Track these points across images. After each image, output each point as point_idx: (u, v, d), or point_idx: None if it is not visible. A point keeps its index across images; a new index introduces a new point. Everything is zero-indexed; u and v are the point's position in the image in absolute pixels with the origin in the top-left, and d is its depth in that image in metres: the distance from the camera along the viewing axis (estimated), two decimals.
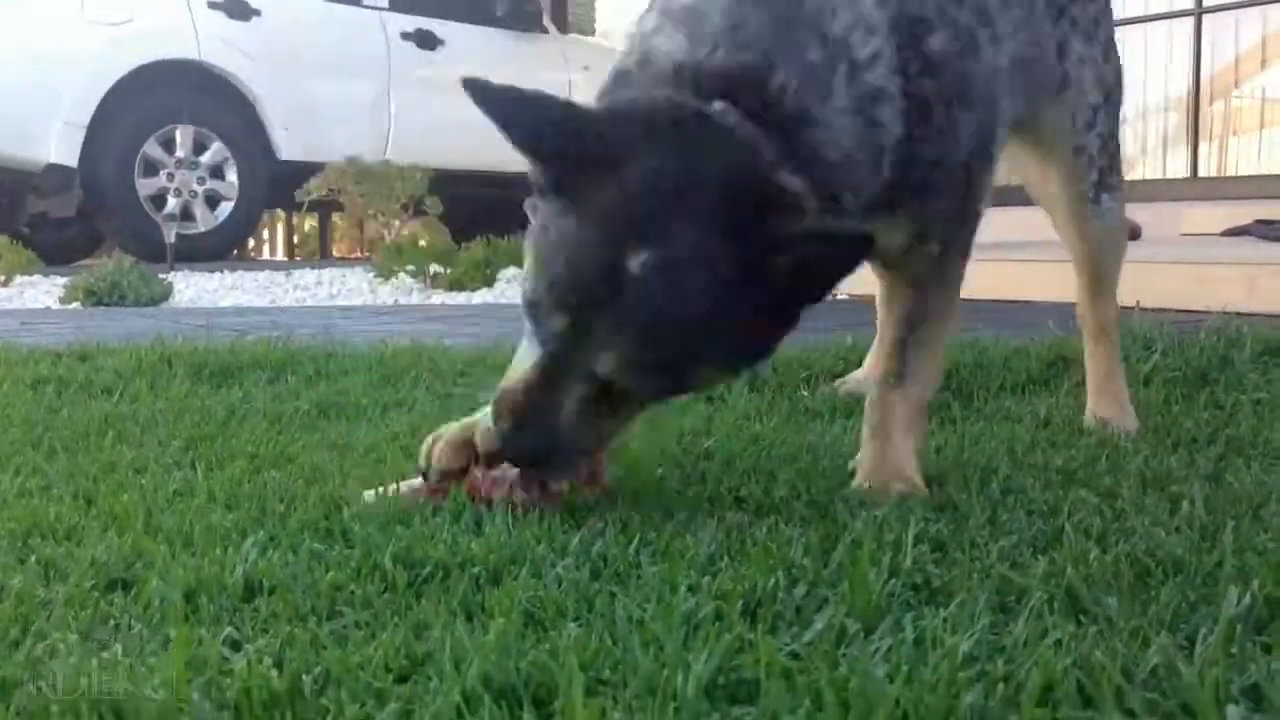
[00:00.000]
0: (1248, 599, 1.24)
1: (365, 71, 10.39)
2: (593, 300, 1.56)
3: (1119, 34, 2.25)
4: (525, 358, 1.65)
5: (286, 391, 2.89)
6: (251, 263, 12.12)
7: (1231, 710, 0.99)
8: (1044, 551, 1.47)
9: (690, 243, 1.53)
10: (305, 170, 8.86)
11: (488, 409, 1.73)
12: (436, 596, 1.37)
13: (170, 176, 9.39)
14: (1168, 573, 1.38)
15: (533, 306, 1.62)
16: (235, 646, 1.26)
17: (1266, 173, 8.01)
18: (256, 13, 9.84)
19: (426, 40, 10.67)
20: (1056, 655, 1.13)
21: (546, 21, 11.68)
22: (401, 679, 1.15)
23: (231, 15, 9.71)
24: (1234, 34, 8.59)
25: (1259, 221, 5.72)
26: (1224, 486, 1.81)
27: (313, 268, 9.39)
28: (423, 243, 7.76)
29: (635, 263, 1.52)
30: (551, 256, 1.60)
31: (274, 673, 1.15)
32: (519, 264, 7.73)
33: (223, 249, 10.17)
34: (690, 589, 1.37)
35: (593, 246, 1.57)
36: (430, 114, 10.57)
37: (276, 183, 9.66)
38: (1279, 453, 2.06)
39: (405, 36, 10.57)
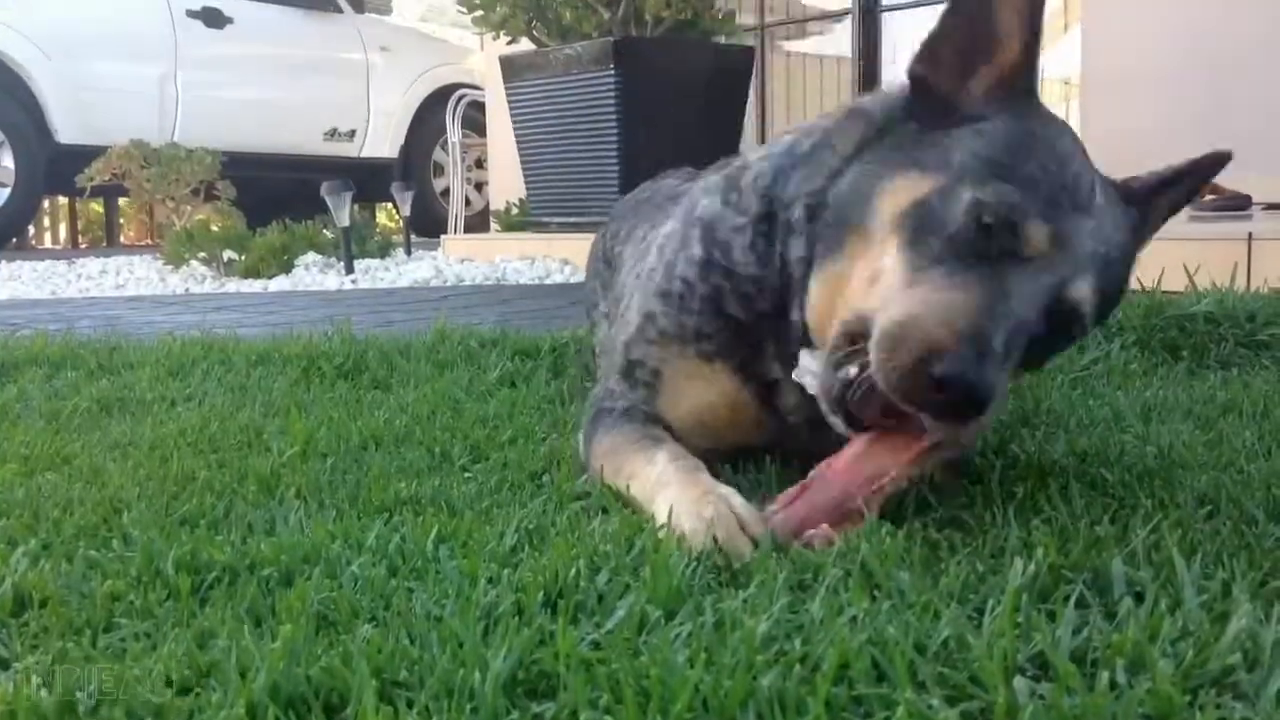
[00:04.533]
0: (1032, 569, 1.28)
1: (149, 50, 10.02)
2: (1080, 207, 1.53)
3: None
4: (947, 287, 1.45)
5: (66, 388, 2.75)
6: (31, 252, 11.58)
7: (1019, 681, 1.02)
8: (839, 528, 1.49)
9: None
10: (87, 153, 8.47)
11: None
12: (222, 603, 1.31)
13: None
14: (956, 546, 1.41)
15: (997, 211, 1.48)
16: (2, 665, 1.18)
17: None
18: None
19: (214, 18, 10.35)
20: (852, 632, 1.14)
21: (341, 0, 11.43)
22: (184, 692, 1.10)
23: None
24: None
25: None
26: (1008, 456, 1.87)
27: (98, 256, 8.99)
28: (215, 228, 7.48)
29: (1098, 189, 1.58)
30: (1018, 158, 1.54)
31: (43, 692, 1.08)
32: (318, 250, 7.56)
33: (0, 237, 9.69)
34: (490, 581, 1.34)
35: (1077, 156, 1.59)
36: (219, 94, 10.28)
37: (57, 167, 9.23)
38: (1060, 421, 2.15)
39: (191, 14, 10.24)
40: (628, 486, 1.66)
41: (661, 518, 1.51)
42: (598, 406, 1.89)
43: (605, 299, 2.47)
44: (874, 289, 1.53)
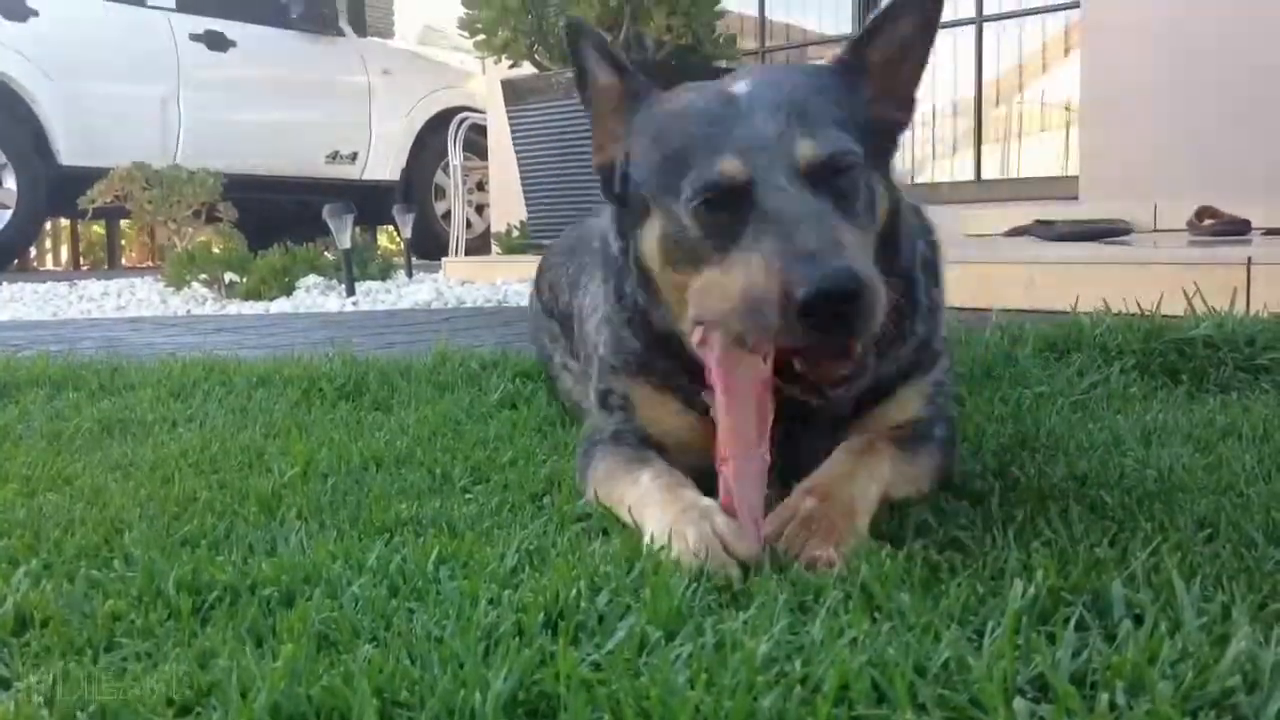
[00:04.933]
0: (1032, 591, 1.28)
1: (152, 73, 10.07)
2: (732, 110, 1.60)
3: None
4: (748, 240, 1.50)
5: (68, 409, 2.76)
6: (33, 273, 11.60)
7: (1019, 703, 1.02)
8: (839, 550, 1.49)
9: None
10: (90, 175, 8.50)
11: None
12: (223, 622, 1.31)
13: None
14: (956, 568, 1.41)
15: (697, 190, 1.55)
16: (4, 685, 1.19)
17: (1045, 175, 8.38)
18: (34, 13, 9.43)
19: (217, 42, 10.39)
20: (852, 653, 1.14)
21: (343, 24, 11.48)
22: (184, 711, 1.10)
23: (8, 16, 9.28)
24: (1016, 41, 8.98)
25: (1038, 222, 5.97)
26: (1008, 479, 1.87)
27: (99, 278, 9.02)
28: (216, 250, 7.50)
29: (739, 88, 1.65)
30: (682, 135, 1.63)
31: (45, 711, 1.08)
32: (319, 272, 7.55)
33: (1, 259, 9.71)
34: (491, 602, 1.34)
35: (706, 109, 1.65)
36: (222, 117, 10.32)
37: (59, 189, 9.26)
38: (1059, 444, 2.15)
39: (194, 38, 10.28)
40: (628, 510, 1.67)
41: (647, 539, 1.52)
42: (589, 441, 1.92)
43: (560, 350, 2.51)
44: (695, 296, 1.60)
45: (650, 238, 1.67)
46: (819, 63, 1.78)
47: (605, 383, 1.93)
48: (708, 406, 1.74)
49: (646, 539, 1.53)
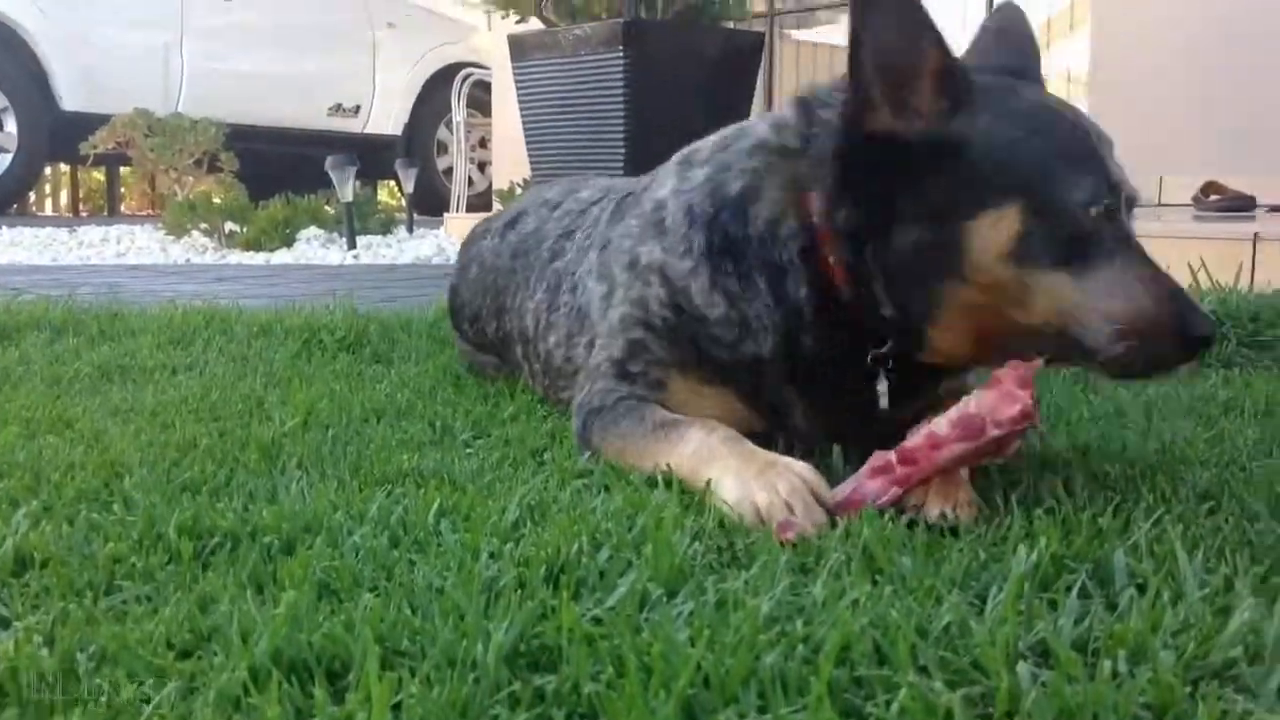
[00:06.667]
0: (1034, 557, 1.27)
1: (156, 19, 9.98)
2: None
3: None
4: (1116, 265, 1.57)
5: (67, 353, 2.75)
6: (32, 218, 11.56)
7: (1021, 667, 1.02)
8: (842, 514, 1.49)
9: None
10: (90, 121, 8.45)
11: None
12: (224, 568, 1.31)
13: None
14: (959, 533, 1.41)
15: (1102, 197, 1.58)
16: (3, 624, 1.18)
17: None
18: None
19: None
20: (854, 614, 1.14)
21: None
22: (185, 655, 1.10)
23: None
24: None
25: None
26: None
27: (99, 224, 8.99)
28: (217, 200, 7.47)
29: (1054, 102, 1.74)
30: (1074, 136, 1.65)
31: (44, 651, 1.08)
32: (320, 224, 7.54)
33: (1, 203, 9.67)
34: (492, 556, 1.34)
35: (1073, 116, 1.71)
36: (225, 65, 10.25)
37: (60, 134, 9.21)
38: (1062, 415, 2.14)
39: None
40: (667, 466, 1.65)
41: (721, 489, 1.53)
42: (588, 406, 1.85)
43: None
44: (1041, 305, 1.57)
45: (1001, 229, 1.56)
46: None
47: (637, 367, 1.84)
48: (775, 402, 1.78)
49: (723, 491, 1.53)
